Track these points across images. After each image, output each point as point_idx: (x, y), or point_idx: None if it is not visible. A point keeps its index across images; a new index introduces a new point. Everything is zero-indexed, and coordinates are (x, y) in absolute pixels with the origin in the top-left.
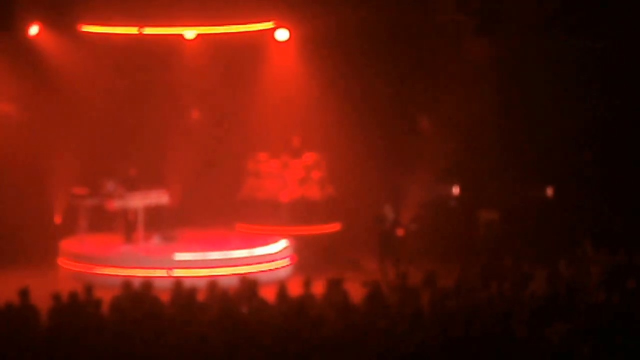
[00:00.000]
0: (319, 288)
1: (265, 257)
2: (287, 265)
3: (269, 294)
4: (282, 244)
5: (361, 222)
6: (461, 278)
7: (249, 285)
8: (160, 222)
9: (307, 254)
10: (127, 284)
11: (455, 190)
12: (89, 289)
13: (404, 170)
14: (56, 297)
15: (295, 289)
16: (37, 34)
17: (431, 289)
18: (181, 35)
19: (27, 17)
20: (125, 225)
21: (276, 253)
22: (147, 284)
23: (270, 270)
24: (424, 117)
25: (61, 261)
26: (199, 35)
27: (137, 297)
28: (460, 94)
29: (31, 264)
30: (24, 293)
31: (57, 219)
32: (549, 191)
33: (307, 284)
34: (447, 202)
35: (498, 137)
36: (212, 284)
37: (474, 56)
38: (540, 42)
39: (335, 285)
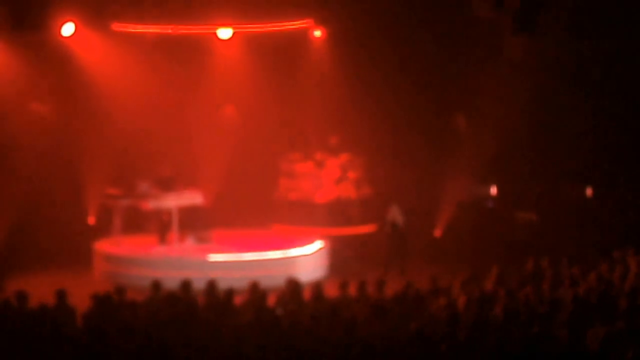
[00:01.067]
0: (354, 290)
1: (301, 258)
2: (322, 267)
3: (304, 296)
4: (317, 245)
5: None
6: (499, 280)
7: (293, 286)
8: (194, 222)
9: (343, 255)
10: (156, 285)
11: (493, 190)
12: (122, 290)
13: (441, 170)
14: (94, 298)
15: (330, 291)
16: (71, 34)
17: (468, 291)
18: (215, 34)
19: (60, 16)
20: (159, 226)
21: (311, 254)
22: (186, 284)
23: (305, 271)
24: (461, 117)
25: (95, 262)
26: (233, 33)
27: (172, 298)
28: (497, 93)
29: (65, 265)
30: (60, 294)
31: (91, 220)
32: (588, 191)
33: (343, 286)
34: (484, 202)
35: (536, 136)
36: (253, 286)
37: (513, 55)
38: (580, 42)
39: (373, 287)
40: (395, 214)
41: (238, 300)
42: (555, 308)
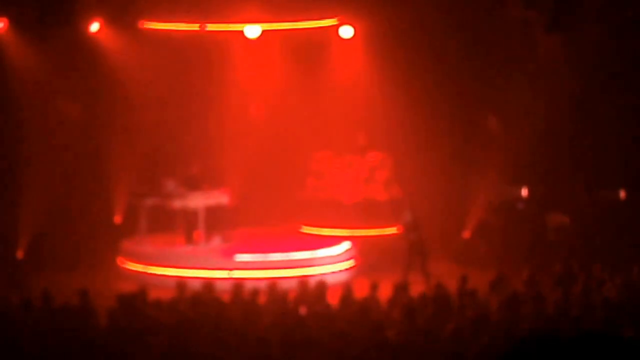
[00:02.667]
0: (383, 291)
1: (328, 259)
2: (350, 268)
3: (331, 297)
4: (345, 245)
5: (427, 224)
6: (529, 282)
7: (315, 287)
8: (220, 222)
9: (371, 256)
10: (181, 285)
11: (524, 192)
12: (147, 290)
13: (471, 171)
14: (119, 298)
15: (358, 292)
16: (98, 31)
17: (499, 293)
18: (242, 31)
19: (88, 14)
20: (185, 225)
21: (339, 255)
22: (209, 285)
23: (333, 272)
24: (492, 117)
25: (120, 261)
26: (262, 31)
27: (196, 298)
28: (530, 92)
29: (91, 264)
30: (83, 294)
31: (118, 219)
32: (622, 194)
33: (373, 287)
34: (516, 204)
35: (569, 137)
36: (272, 286)
37: (546, 54)
38: (615, 40)
39: (400, 290)
40: (407, 217)
41: (262, 300)
42: (586, 312)
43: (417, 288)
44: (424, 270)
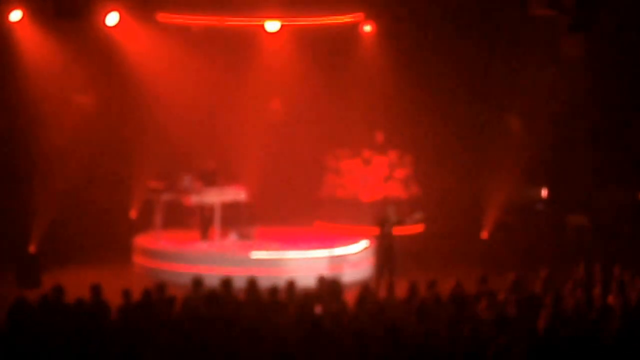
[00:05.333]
0: (400, 290)
1: (345, 258)
2: (368, 267)
3: (348, 296)
4: (363, 244)
5: (446, 223)
6: (548, 283)
7: (331, 285)
8: (237, 219)
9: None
10: (197, 282)
11: (544, 193)
12: (161, 286)
13: (490, 171)
14: (126, 294)
15: (378, 291)
16: (115, 23)
17: (517, 294)
18: (262, 26)
19: (105, 6)
20: (201, 221)
21: (356, 253)
22: (227, 282)
23: (350, 271)
24: (513, 117)
25: (135, 257)
26: (281, 26)
27: (212, 295)
28: (551, 93)
29: (106, 259)
30: (95, 289)
31: (133, 214)
32: None
33: (390, 286)
34: (535, 205)
35: (589, 138)
36: (290, 284)
37: (568, 54)
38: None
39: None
40: (390, 214)
41: (280, 298)
42: (605, 315)
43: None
44: (392, 275)
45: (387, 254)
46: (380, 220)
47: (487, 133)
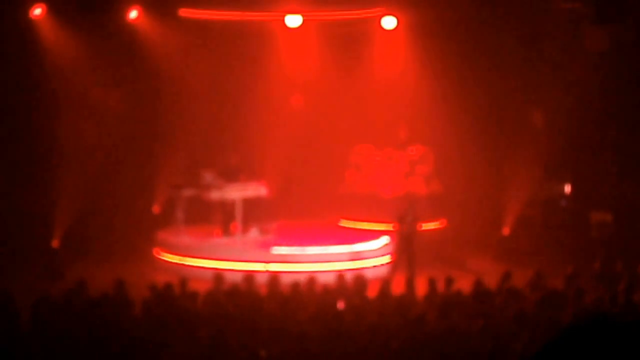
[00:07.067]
0: (421, 287)
1: (366, 254)
2: (389, 263)
3: (369, 291)
4: (384, 240)
5: (468, 219)
6: (571, 280)
7: (353, 281)
8: (258, 214)
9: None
10: (218, 277)
11: (567, 189)
12: (183, 281)
13: (513, 166)
14: (152, 289)
15: (397, 287)
16: (137, 19)
17: (539, 291)
18: (283, 21)
19: (126, 1)
20: (222, 217)
21: (378, 249)
22: (249, 278)
23: (371, 267)
24: (536, 111)
25: (156, 252)
26: (303, 20)
27: (233, 291)
28: (577, 86)
29: (128, 254)
30: (119, 284)
31: (156, 209)
32: None
33: (409, 282)
34: (558, 201)
35: (615, 133)
36: (311, 280)
37: (594, 46)
38: None
39: (440, 285)
40: (408, 211)
41: (298, 294)
42: (629, 312)
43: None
44: (411, 271)
45: (406, 250)
46: (399, 217)
47: (510, 128)
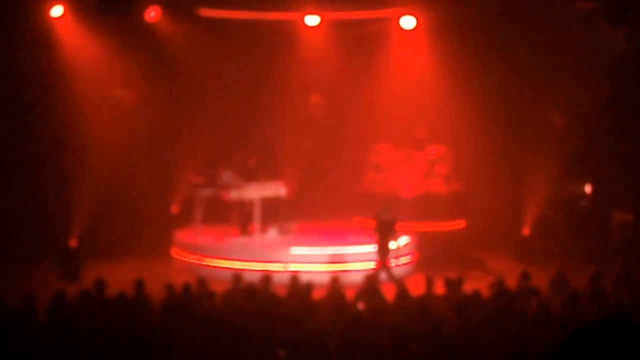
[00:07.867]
0: (440, 287)
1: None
2: (409, 263)
3: (388, 292)
4: (403, 240)
5: (487, 219)
6: (593, 281)
7: (371, 281)
8: (276, 214)
9: (430, 252)
10: (237, 277)
11: (587, 188)
12: (202, 281)
13: (533, 166)
14: (169, 288)
15: (416, 287)
16: (156, 18)
17: (561, 292)
18: (302, 20)
19: (146, 1)
20: (241, 217)
21: (397, 249)
22: (267, 278)
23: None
24: (556, 111)
25: (174, 252)
26: (321, 20)
27: (252, 291)
28: (596, 86)
29: (146, 253)
30: (139, 284)
31: (175, 209)
32: None
33: (429, 283)
34: (578, 201)
35: (634, 133)
36: (333, 281)
37: (611, 47)
38: None
39: (456, 286)
40: (385, 210)
41: (318, 294)
42: None
43: (473, 284)
44: (389, 273)
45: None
46: (375, 215)
47: (530, 128)
